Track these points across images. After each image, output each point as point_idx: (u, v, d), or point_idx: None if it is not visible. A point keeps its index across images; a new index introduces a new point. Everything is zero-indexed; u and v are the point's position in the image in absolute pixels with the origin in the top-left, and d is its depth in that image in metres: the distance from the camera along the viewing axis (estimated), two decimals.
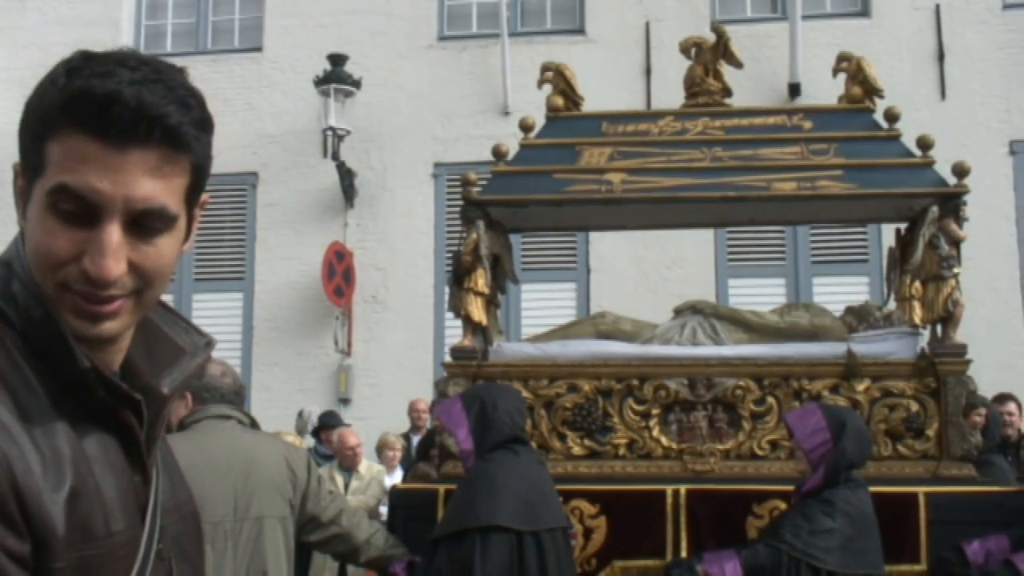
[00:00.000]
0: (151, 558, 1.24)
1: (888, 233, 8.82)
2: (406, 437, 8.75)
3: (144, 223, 1.19)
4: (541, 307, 10.11)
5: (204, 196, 1.31)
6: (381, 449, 8.16)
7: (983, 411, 5.66)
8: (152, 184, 1.18)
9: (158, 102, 1.16)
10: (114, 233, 1.17)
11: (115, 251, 1.16)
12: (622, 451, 4.42)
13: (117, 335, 1.25)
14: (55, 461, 1.15)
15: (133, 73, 1.16)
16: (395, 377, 10.46)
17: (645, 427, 4.42)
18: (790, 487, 3.98)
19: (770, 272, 10.33)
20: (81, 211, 1.16)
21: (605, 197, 4.54)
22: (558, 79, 4.90)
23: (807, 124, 4.69)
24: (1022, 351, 9.75)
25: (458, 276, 4.56)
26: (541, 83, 4.98)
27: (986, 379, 4.81)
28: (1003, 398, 7.03)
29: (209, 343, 1.41)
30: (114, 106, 1.14)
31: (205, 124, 1.24)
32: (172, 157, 1.19)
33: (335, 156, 10.66)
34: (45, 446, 1.15)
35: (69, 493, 1.14)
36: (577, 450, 4.43)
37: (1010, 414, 6.85)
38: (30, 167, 1.19)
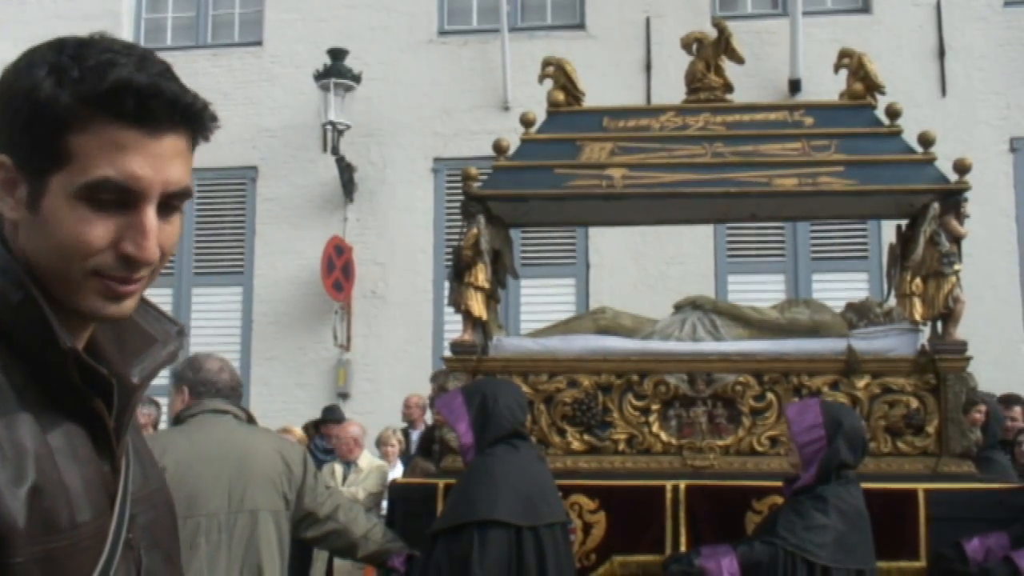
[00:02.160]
0: (120, 547, 1.24)
1: (888, 229, 8.80)
2: (405, 432, 8.76)
3: (168, 204, 1.23)
4: (540, 302, 10.11)
5: None
6: (379, 445, 8.18)
7: (983, 408, 5.63)
8: (181, 167, 1.23)
9: (180, 88, 1.22)
10: (153, 216, 1.21)
11: (155, 234, 1.21)
12: (622, 446, 4.41)
13: (131, 312, 1.28)
14: (16, 456, 1.14)
15: (129, 58, 1.19)
16: (394, 372, 10.46)
17: (645, 422, 4.42)
18: None
19: (770, 268, 10.33)
20: (118, 199, 1.19)
21: (606, 192, 4.54)
22: (559, 74, 4.89)
23: (808, 120, 4.68)
24: (1021, 348, 9.76)
25: (458, 271, 4.56)
26: (542, 78, 4.98)
27: (985, 376, 4.81)
28: (1009, 401, 6.98)
29: (181, 331, 1.42)
30: (155, 98, 1.18)
31: None
32: (191, 140, 1.25)
33: (335, 151, 10.66)
34: (6, 440, 1.14)
35: (31, 488, 1.14)
36: (576, 445, 4.43)
37: (1013, 419, 6.81)
38: (38, 160, 1.19)
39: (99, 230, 1.18)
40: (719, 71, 4.81)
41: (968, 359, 4.31)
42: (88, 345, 1.31)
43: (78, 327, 1.27)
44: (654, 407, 4.42)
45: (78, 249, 1.18)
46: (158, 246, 1.22)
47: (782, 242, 10.30)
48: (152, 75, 1.19)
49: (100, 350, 1.32)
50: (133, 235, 1.19)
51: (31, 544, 1.12)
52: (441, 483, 4.19)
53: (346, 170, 10.82)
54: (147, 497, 1.37)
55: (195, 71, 11.09)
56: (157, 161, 1.20)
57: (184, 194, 1.25)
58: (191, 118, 1.23)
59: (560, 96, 4.86)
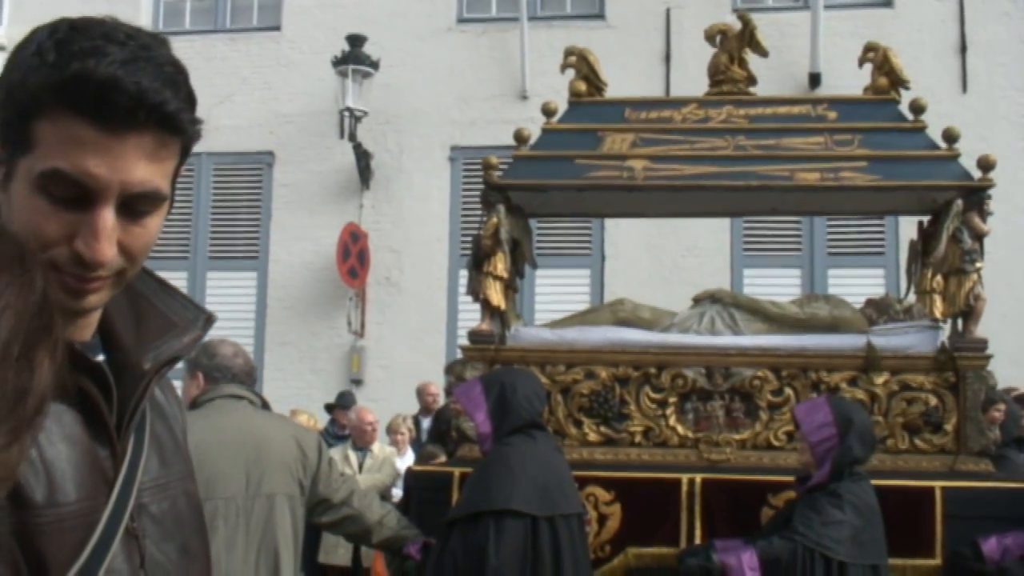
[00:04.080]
0: (117, 534, 1.20)
1: (905, 226, 8.76)
2: (416, 420, 8.78)
3: (136, 206, 1.18)
4: (555, 293, 10.10)
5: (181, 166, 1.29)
6: (389, 432, 8.19)
7: (1002, 406, 5.61)
8: (147, 169, 1.16)
9: (154, 87, 1.14)
10: (108, 217, 1.15)
11: (109, 235, 1.15)
12: (638, 439, 4.41)
13: (97, 308, 1.23)
14: None
15: (123, 50, 1.13)
16: (407, 359, 10.47)
17: (661, 415, 4.41)
18: None
19: (786, 263, 10.29)
20: (74, 195, 1.14)
21: (627, 184, 4.52)
22: (581, 64, 4.87)
23: (831, 114, 4.66)
24: None
25: (477, 260, 4.55)
26: (564, 67, 4.95)
27: (1000, 374, 4.79)
28: None
29: (208, 319, 1.38)
30: (113, 93, 1.11)
31: (194, 103, 1.22)
32: (166, 142, 1.18)
33: (352, 137, 10.66)
34: None
35: None
36: (593, 437, 4.42)
37: None
38: (12, 140, 1.16)
39: (53, 223, 1.14)
40: (742, 63, 4.79)
41: (988, 357, 4.29)
42: (103, 329, 1.29)
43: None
44: (671, 400, 4.41)
45: (33, 239, 1.14)
46: (119, 248, 1.17)
47: (799, 237, 10.26)
48: (124, 69, 1.12)
49: (115, 335, 1.29)
50: (85, 234, 1.14)
51: None
52: (457, 471, 4.19)
53: (363, 157, 10.82)
54: (163, 487, 1.33)
55: (213, 55, 11.11)
56: (115, 160, 1.14)
57: (153, 197, 1.18)
58: (161, 119, 1.15)
59: (582, 86, 4.84)
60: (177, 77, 1.18)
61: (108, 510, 1.21)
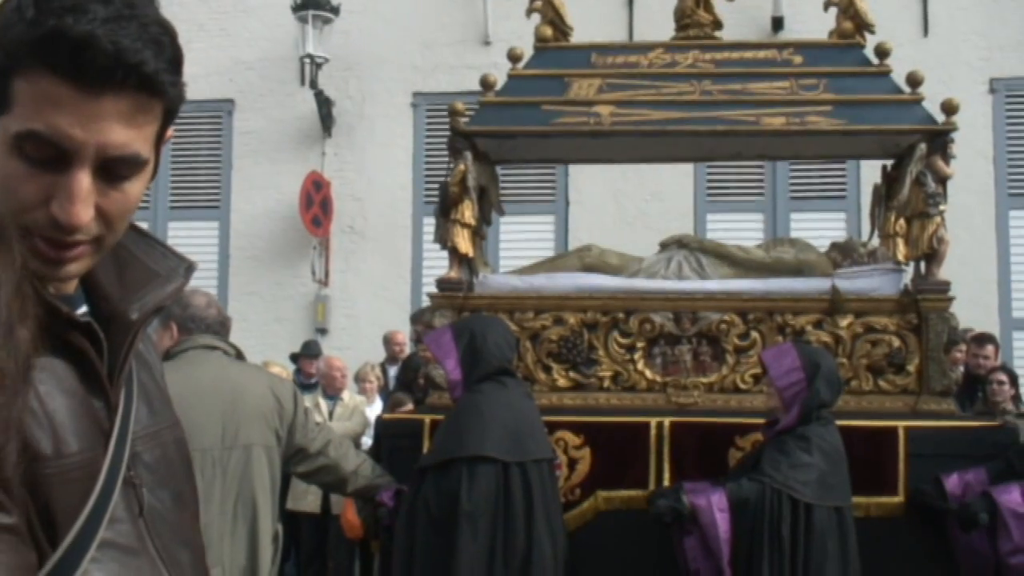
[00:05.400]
0: (117, 483, 1.22)
1: (867, 170, 8.81)
2: (383, 368, 8.78)
3: (114, 169, 1.16)
4: (519, 240, 10.09)
5: (168, 131, 1.27)
6: (357, 380, 8.20)
7: (964, 347, 5.71)
8: (125, 131, 1.15)
9: (134, 47, 1.12)
10: (84, 179, 1.14)
11: (84, 198, 1.14)
12: (607, 383, 4.45)
13: (77, 276, 1.23)
14: None
15: (105, 8, 1.11)
16: (372, 308, 10.45)
17: (630, 360, 4.45)
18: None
19: (749, 207, 10.33)
20: (50, 156, 1.13)
21: (593, 130, 4.52)
22: (547, 8, 4.84)
23: (797, 59, 4.67)
24: (995, 288, 9.87)
25: (445, 207, 4.53)
26: (530, 12, 4.92)
27: (959, 316, 4.87)
28: (982, 339, 7.08)
29: (189, 268, 1.38)
30: (89, 51, 1.09)
31: (178, 64, 1.21)
32: (146, 104, 1.16)
33: (313, 84, 10.53)
34: None
35: None
36: (562, 382, 4.46)
37: (986, 357, 6.91)
38: None
39: (30, 186, 1.13)
40: (708, 7, 4.77)
41: (951, 299, 4.36)
42: (86, 280, 1.28)
43: None
44: (639, 345, 4.45)
45: (10, 202, 1.13)
46: (96, 213, 1.16)
47: (761, 181, 10.30)
48: (104, 28, 1.10)
49: (98, 286, 1.29)
50: (60, 197, 1.12)
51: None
52: (427, 419, 4.22)
53: (324, 104, 10.70)
54: (153, 435, 1.35)
55: (169, 2, 10.80)
56: (92, 121, 1.12)
57: (132, 161, 1.17)
58: (140, 80, 1.13)
59: (548, 31, 4.81)
60: (162, 37, 1.16)
61: (107, 460, 1.22)
